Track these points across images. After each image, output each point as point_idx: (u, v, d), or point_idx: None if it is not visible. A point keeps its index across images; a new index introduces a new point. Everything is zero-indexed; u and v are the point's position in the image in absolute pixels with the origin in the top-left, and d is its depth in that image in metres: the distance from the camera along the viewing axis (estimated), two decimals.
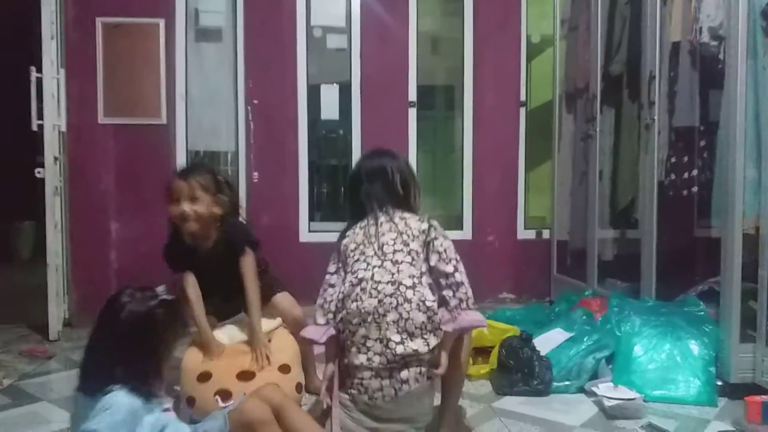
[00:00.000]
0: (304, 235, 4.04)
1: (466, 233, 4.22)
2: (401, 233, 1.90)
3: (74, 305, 3.61)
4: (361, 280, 1.85)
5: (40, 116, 3.29)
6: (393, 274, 1.84)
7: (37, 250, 3.40)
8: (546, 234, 4.24)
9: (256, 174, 3.96)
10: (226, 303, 2.37)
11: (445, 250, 1.90)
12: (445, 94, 4.55)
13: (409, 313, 1.79)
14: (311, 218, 4.07)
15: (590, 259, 3.55)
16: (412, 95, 4.12)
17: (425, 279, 1.86)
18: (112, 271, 3.75)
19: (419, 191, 2.08)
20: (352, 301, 1.83)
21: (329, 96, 4.09)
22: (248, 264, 2.26)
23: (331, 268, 1.99)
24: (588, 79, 3.63)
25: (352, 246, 1.94)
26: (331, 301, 1.91)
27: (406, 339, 1.78)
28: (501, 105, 4.21)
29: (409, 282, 1.83)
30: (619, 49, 3.47)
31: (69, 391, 2.56)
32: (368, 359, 1.81)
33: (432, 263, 1.88)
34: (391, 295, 1.80)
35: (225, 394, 2.04)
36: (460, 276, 1.89)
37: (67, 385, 2.68)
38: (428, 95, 4.34)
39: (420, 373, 1.82)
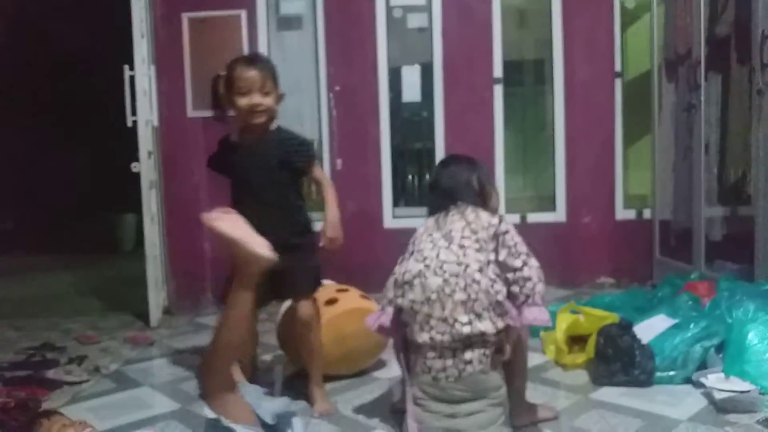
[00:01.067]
0: (389, 221, 4.01)
1: (559, 215, 4.04)
2: (470, 223, 1.92)
3: (173, 294, 3.78)
4: (425, 258, 1.87)
5: (134, 112, 3.44)
6: (459, 256, 1.84)
7: (139, 241, 3.57)
8: (647, 213, 3.98)
9: (339, 161, 3.97)
10: (264, 213, 2.01)
11: (515, 245, 1.90)
12: (533, 68, 4.37)
13: (477, 294, 1.79)
14: (395, 204, 4.04)
15: (696, 240, 3.30)
16: (498, 72, 3.97)
17: (492, 267, 1.85)
18: (206, 262, 3.88)
19: (497, 196, 2.16)
20: (415, 277, 1.85)
21: (411, 78, 4.02)
22: (320, 171, 2.36)
23: (405, 256, 2.00)
24: (690, 44, 3.36)
25: (421, 230, 2.00)
26: (388, 287, 1.95)
27: (474, 319, 1.78)
28: (595, 77, 3.98)
29: (476, 266, 1.83)
30: (726, 8, 3.21)
31: (169, 377, 2.69)
32: (431, 338, 1.80)
33: (501, 258, 1.88)
34: (457, 275, 1.81)
35: None
36: (529, 271, 1.89)
37: (166, 371, 2.81)
38: (515, 71, 4.18)
39: (484, 354, 1.80)
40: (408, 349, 1.92)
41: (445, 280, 1.81)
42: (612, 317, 2.60)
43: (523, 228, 3.94)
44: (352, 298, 2.52)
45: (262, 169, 2.18)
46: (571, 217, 4.03)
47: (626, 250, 4.00)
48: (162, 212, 3.69)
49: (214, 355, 1.58)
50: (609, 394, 2.27)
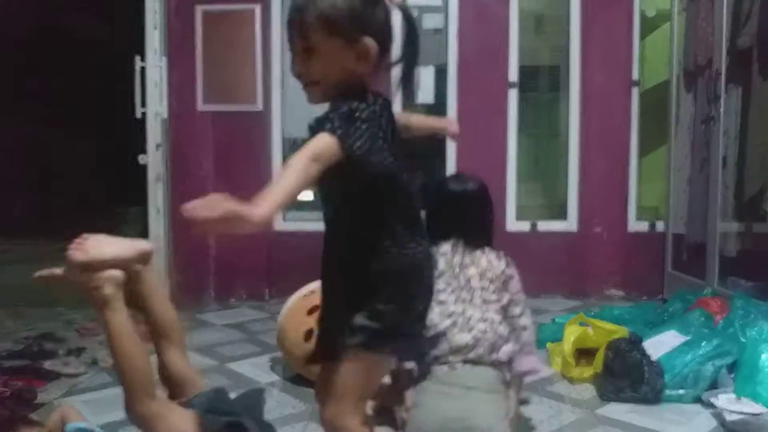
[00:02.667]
0: None
1: (570, 224, 3.98)
2: (485, 271, 1.95)
3: (175, 288, 3.74)
4: (451, 314, 1.87)
5: (144, 104, 3.41)
6: (483, 311, 1.89)
7: (144, 234, 3.54)
8: (660, 226, 3.91)
9: None
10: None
11: (517, 292, 1.98)
12: (549, 75, 4.32)
13: (501, 348, 1.88)
14: None
15: (710, 255, 3.22)
16: (513, 76, 3.92)
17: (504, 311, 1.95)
18: (210, 257, 3.85)
19: (494, 222, 2.10)
20: (441, 335, 1.86)
21: (425, 79, 3.97)
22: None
23: None
24: (711, 54, 3.29)
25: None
26: None
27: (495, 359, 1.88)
28: (611, 85, 3.91)
29: (498, 318, 1.91)
30: (749, 19, 3.14)
31: None
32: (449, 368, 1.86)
33: (503, 302, 1.95)
34: (484, 332, 1.86)
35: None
36: (526, 320, 1.98)
37: None
38: (530, 77, 4.13)
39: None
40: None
41: (475, 338, 1.85)
42: (621, 331, 2.55)
43: (533, 236, 3.96)
44: None
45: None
46: (582, 227, 3.97)
47: (637, 263, 3.93)
48: (168, 206, 3.65)
49: (125, 383, 1.46)
50: (616, 410, 2.21)
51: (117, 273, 1.45)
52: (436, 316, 1.85)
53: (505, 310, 1.95)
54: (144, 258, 1.53)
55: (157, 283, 1.58)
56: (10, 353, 2.84)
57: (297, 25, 1.27)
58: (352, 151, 1.15)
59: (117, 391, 2.38)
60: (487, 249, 2.00)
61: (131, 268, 1.49)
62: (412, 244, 1.30)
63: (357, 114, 1.19)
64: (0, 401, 2.24)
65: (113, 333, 1.43)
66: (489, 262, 1.96)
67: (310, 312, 2.43)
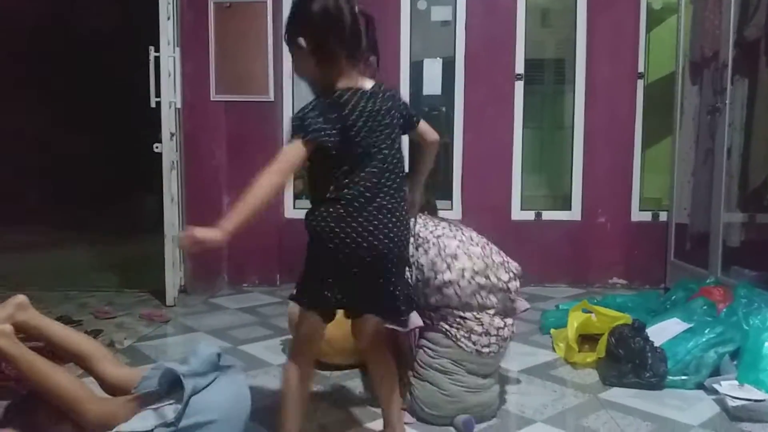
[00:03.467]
0: None
1: (574, 214, 4.03)
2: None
3: (189, 274, 3.81)
4: (455, 236, 2.07)
5: (158, 93, 3.46)
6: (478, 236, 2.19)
7: (159, 221, 3.60)
8: (663, 216, 3.96)
9: None
10: None
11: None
12: (554, 67, 4.34)
13: (506, 258, 2.18)
14: None
15: (714, 245, 3.27)
16: (520, 68, 3.96)
17: None
18: (224, 244, 3.91)
19: None
20: (456, 247, 2.03)
21: (432, 70, 4.01)
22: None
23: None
24: (718, 46, 3.31)
25: (417, 228, 2.09)
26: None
27: (512, 278, 2.11)
28: (616, 78, 3.95)
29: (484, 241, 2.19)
30: (757, 10, 3.16)
31: (182, 355, 2.72)
32: (480, 285, 2.01)
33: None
34: (487, 244, 2.16)
35: None
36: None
37: (180, 349, 2.85)
38: (536, 69, 4.16)
39: (512, 328, 2.16)
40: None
41: (482, 248, 2.06)
42: (625, 318, 2.60)
43: (537, 225, 4.01)
44: None
45: None
46: (586, 217, 4.02)
47: (640, 252, 3.98)
48: (182, 193, 3.72)
49: (65, 405, 1.59)
50: (618, 395, 2.27)
51: (1, 327, 1.64)
52: (444, 240, 2.03)
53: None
54: (21, 307, 1.73)
55: (48, 321, 1.77)
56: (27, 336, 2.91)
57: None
58: (307, 139, 1.44)
59: None
60: None
61: (17, 321, 1.68)
62: (326, 211, 1.50)
63: (307, 111, 1.46)
64: (17, 382, 2.30)
65: (26, 372, 1.60)
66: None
67: None
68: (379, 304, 1.62)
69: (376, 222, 1.52)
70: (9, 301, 1.72)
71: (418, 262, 2.02)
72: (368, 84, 1.58)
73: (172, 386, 1.54)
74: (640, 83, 3.96)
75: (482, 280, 1.99)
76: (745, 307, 2.48)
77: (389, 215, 1.55)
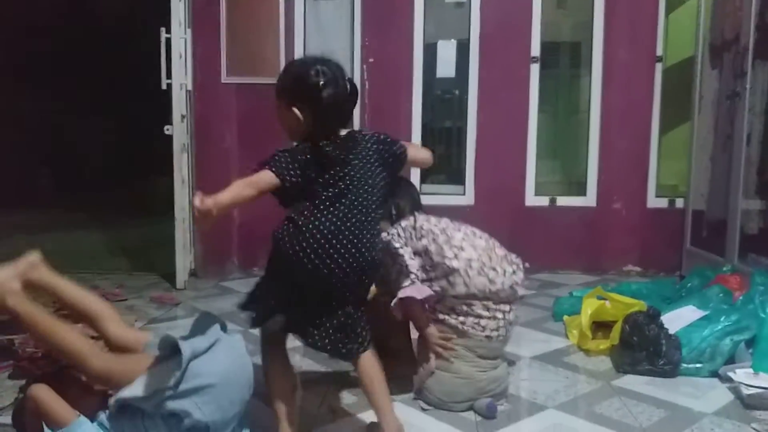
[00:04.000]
0: None
1: (589, 200, 3.98)
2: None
3: (199, 257, 3.82)
4: (459, 229, 2.10)
5: (169, 75, 3.45)
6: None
7: (170, 204, 3.60)
8: (679, 203, 3.90)
9: None
10: None
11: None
12: (570, 51, 4.27)
13: (507, 251, 2.15)
14: (422, 180, 4.00)
15: (731, 232, 3.22)
16: (535, 51, 3.90)
17: None
18: (234, 227, 3.92)
19: None
20: (462, 240, 2.05)
21: (446, 52, 3.96)
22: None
23: (396, 243, 2.06)
24: (739, 29, 3.24)
25: (420, 222, 2.09)
26: (407, 264, 2.01)
27: (517, 270, 2.12)
28: (634, 62, 3.88)
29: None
30: None
31: None
32: (490, 280, 2.02)
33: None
34: (489, 237, 2.15)
35: None
36: None
37: None
38: (552, 53, 4.09)
39: (516, 314, 2.15)
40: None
41: (486, 240, 2.10)
42: (639, 305, 2.57)
43: (551, 211, 3.97)
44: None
45: None
46: (601, 203, 3.97)
47: (655, 239, 3.93)
48: (192, 176, 3.71)
49: (70, 359, 1.60)
50: (632, 382, 2.24)
51: (11, 284, 1.65)
52: (450, 231, 2.07)
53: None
54: (33, 266, 1.72)
55: (59, 279, 1.74)
56: None
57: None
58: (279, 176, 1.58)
59: None
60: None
61: (29, 279, 1.68)
62: (286, 231, 1.64)
63: (282, 154, 1.61)
64: (31, 361, 2.32)
65: (32, 328, 1.60)
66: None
67: None
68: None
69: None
70: (22, 259, 1.72)
71: (426, 248, 2.03)
72: (343, 131, 1.69)
73: (173, 351, 1.55)
74: (659, 67, 3.88)
75: (490, 273, 2.01)
76: (762, 294, 2.45)
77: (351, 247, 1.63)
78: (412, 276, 2.01)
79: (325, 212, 1.61)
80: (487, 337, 2.01)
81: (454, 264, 1.99)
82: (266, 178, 1.58)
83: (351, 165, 1.65)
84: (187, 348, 1.51)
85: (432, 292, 2.01)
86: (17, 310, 1.60)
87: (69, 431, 1.48)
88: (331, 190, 1.63)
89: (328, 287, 1.63)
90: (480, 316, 2.01)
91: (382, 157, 1.73)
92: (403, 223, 2.15)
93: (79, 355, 1.56)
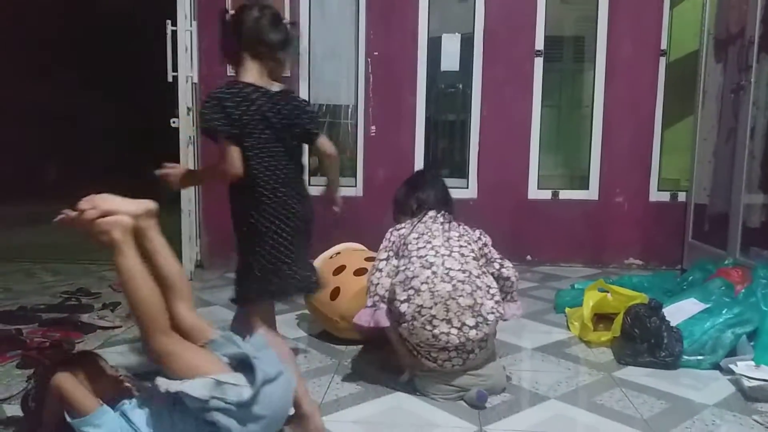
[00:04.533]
0: None
1: (591, 193, 3.99)
2: (462, 235, 2.10)
3: (205, 249, 3.85)
4: (432, 264, 1.97)
5: (175, 68, 3.46)
6: (462, 263, 1.99)
7: (175, 197, 3.62)
8: (681, 197, 3.91)
9: (373, 128, 3.96)
10: None
11: (489, 251, 2.14)
12: (574, 45, 4.26)
13: (483, 299, 1.95)
14: None
15: (733, 226, 3.23)
16: (539, 44, 3.90)
17: (485, 271, 2.06)
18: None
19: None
20: (422, 283, 1.94)
21: (450, 46, 3.97)
22: None
23: (382, 255, 2.09)
24: (744, 22, 3.24)
25: (414, 236, 2.08)
26: (378, 284, 2.02)
27: (481, 323, 1.93)
28: (638, 56, 3.89)
29: (476, 272, 2.00)
30: None
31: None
32: (433, 336, 1.92)
33: (480, 262, 2.09)
34: (463, 282, 1.94)
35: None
36: (507, 271, 2.11)
37: None
38: (555, 47, 4.09)
39: (484, 347, 2.01)
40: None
41: (454, 286, 1.93)
42: (641, 297, 2.58)
43: (554, 204, 3.98)
44: None
45: None
46: (603, 196, 3.98)
47: (657, 233, 3.95)
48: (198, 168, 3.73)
49: (140, 322, 1.53)
50: (633, 373, 2.26)
51: (124, 218, 1.52)
52: (416, 267, 1.97)
53: (490, 273, 2.08)
54: (149, 214, 1.60)
55: (162, 240, 1.64)
56: (48, 306, 2.96)
57: None
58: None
59: None
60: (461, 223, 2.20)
61: (138, 223, 1.57)
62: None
63: (204, 108, 1.69)
64: (40, 351, 2.35)
65: (125, 275, 1.51)
66: (465, 230, 2.15)
67: (336, 272, 2.51)
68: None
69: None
70: (141, 201, 1.61)
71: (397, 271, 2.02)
72: (275, 86, 1.75)
73: (240, 364, 1.51)
74: (663, 61, 3.88)
75: (439, 326, 1.91)
76: (764, 288, 2.45)
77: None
78: (375, 299, 2.00)
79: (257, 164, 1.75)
80: (441, 366, 1.96)
81: (402, 308, 1.93)
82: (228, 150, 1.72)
83: (265, 115, 1.72)
84: (260, 372, 1.47)
85: (386, 324, 1.98)
86: (119, 247, 1.50)
87: (92, 419, 1.47)
88: (247, 142, 1.73)
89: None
90: (431, 348, 1.95)
91: (299, 123, 1.77)
92: (400, 230, 2.14)
93: (152, 323, 1.49)
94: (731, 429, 1.85)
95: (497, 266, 2.10)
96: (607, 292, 2.68)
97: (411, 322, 1.93)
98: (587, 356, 2.45)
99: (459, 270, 1.96)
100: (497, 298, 1.99)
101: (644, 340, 2.32)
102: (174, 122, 3.52)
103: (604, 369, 2.31)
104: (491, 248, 2.15)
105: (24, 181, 6.29)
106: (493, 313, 1.95)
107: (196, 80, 3.60)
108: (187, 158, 3.55)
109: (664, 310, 2.43)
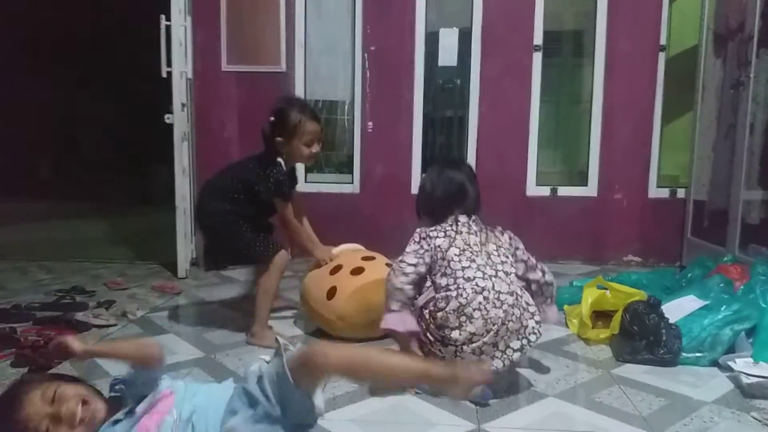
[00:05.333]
0: (416, 187, 3.97)
1: (590, 189, 3.98)
2: (499, 247, 2.04)
3: (200, 246, 3.81)
4: (483, 289, 1.91)
5: (169, 63, 3.43)
6: (509, 285, 1.95)
7: (170, 194, 3.60)
8: (681, 193, 3.89)
9: (370, 124, 3.93)
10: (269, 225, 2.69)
11: (528, 258, 2.10)
12: (573, 40, 4.24)
13: (528, 321, 1.93)
14: (423, 170, 4.00)
15: (732, 222, 3.21)
16: (538, 39, 3.88)
17: (523, 286, 2.04)
18: None
19: None
20: (475, 310, 1.88)
21: (448, 40, 3.94)
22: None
23: (410, 259, 2.00)
24: (744, 17, 3.22)
25: (454, 251, 1.99)
26: (401, 289, 1.96)
27: (525, 345, 1.93)
28: (637, 51, 3.87)
29: (520, 291, 1.97)
30: None
31: (193, 325, 2.74)
32: (480, 360, 1.90)
33: (520, 273, 2.06)
34: (513, 306, 1.91)
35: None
36: (549, 276, 2.12)
37: (191, 320, 2.86)
38: (554, 42, 4.06)
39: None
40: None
41: (505, 312, 1.90)
42: (640, 294, 2.56)
43: (552, 201, 3.96)
44: (378, 268, 2.48)
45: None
46: (602, 193, 3.97)
47: (656, 229, 3.93)
48: (193, 165, 3.70)
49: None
50: (632, 371, 2.24)
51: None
52: (469, 292, 1.90)
53: (523, 278, 2.05)
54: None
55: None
56: (43, 304, 2.94)
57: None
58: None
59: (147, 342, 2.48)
60: (492, 227, 2.12)
61: None
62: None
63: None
64: (34, 349, 2.33)
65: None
66: (497, 238, 2.07)
67: (333, 272, 2.49)
68: None
69: None
70: None
71: (437, 285, 1.95)
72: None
73: None
74: (662, 56, 3.86)
75: (486, 351, 1.89)
76: (763, 284, 2.44)
77: None
78: (399, 304, 1.95)
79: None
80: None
81: (454, 335, 1.88)
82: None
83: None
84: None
85: (418, 329, 1.94)
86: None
87: None
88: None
89: None
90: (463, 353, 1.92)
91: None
92: (435, 239, 2.02)
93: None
94: (730, 426, 1.83)
95: (540, 274, 2.09)
96: (606, 289, 2.66)
97: (461, 347, 1.89)
98: (586, 354, 2.43)
99: (507, 293, 1.92)
100: (537, 318, 1.96)
101: (643, 338, 2.31)
102: (168, 118, 3.48)
103: (602, 366, 2.29)
104: (524, 251, 2.10)
105: (15, 179, 6.26)
106: (534, 333, 1.93)
107: (190, 76, 3.57)
108: (182, 155, 3.53)
109: (662, 307, 2.41)
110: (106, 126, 7.35)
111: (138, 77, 5.41)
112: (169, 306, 3.04)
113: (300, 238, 2.62)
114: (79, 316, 2.76)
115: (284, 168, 2.48)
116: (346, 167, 3.99)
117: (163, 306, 3.02)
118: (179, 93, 3.47)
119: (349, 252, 2.67)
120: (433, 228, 2.07)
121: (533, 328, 1.93)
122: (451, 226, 2.05)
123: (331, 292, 2.44)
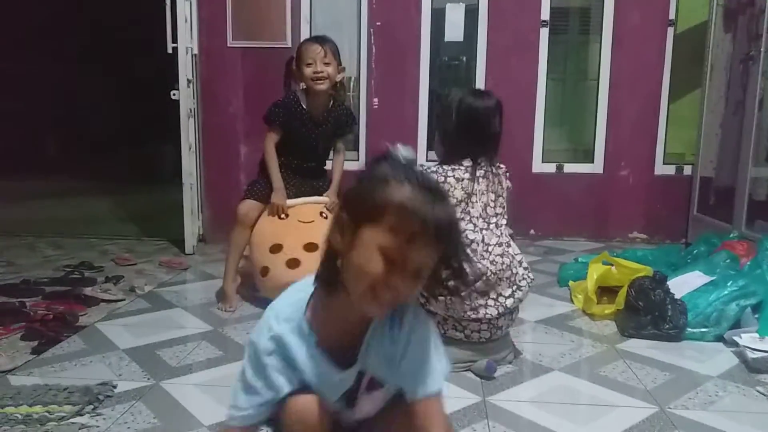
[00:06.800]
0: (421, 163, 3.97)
1: (596, 166, 3.96)
2: (498, 196, 2.02)
3: (207, 222, 3.84)
4: (472, 242, 1.93)
5: (174, 39, 3.41)
6: (498, 236, 1.98)
7: (177, 171, 3.60)
8: (687, 170, 3.87)
9: (376, 100, 3.91)
10: (306, 171, 2.72)
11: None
12: (580, 16, 4.19)
13: (517, 269, 1.99)
14: (429, 147, 3.98)
15: (739, 199, 3.20)
16: (545, 14, 3.83)
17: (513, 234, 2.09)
18: (241, 192, 3.90)
19: None
20: None
21: (454, 15, 3.89)
22: (342, 148, 2.76)
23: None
24: None
25: (457, 194, 1.97)
26: None
27: (515, 291, 1.98)
28: (645, 26, 3.81)
29: (507, 240, 2.01)
30: None
31: (200, 300, 2.77)
32: (471, 309, 1.93)
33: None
34: (501, 255, 1.96)
35: (294, 263, 2.39)
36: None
37: (199, 295, 2.88)
38: (561, 18, 4.01)
39: (512, 319, 2.06)
40: None
41: (492, 262, 1.94)
42: (646, 270, 2.57)
43: (558, 178, 3.95)
44: (315, 265, 2.44)
45: (322, 139, 2.68)
46: (608, 170, 3.94)
47: (662, 206, 3.92)
48: (199, 142, 3.70)
49: None
50: (637, 345, 2.26)
51: None
52: None
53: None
54: None
55: None
56: (52, 279, 2.96)
57: (327, 48, 2.59)
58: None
59: (155, 316, 2.52)
60: (499, 164, 2.05)
61: None
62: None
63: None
64: (43, 323, 2.37)
65: None
66: (500, 182, 2.03)
67: (273, 250, 2.51)
68: None
69: None
70: None
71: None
72: None
73: None
74: (670, 32, 3.81)
75: (477, 297, 1.93)
76: None
77: None
78: None
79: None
80: (467, 337, 1.97)
81: None
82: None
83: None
84: None
85: None
86: None
87: None
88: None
89: None
90: (461, 321, 1.96)
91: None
92: (462, 180, 1.95)
93: None
94: (734, 400, 1.85)
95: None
96: (612, 265, 2.67)
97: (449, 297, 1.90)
98: (591, 329, 2.45)
99: (496, 244, 1.96)
100: (525, 264, 2.02)
101: (648, 313, 2.32)
102: (174, 94, 3.47)
103: (607, 341, 2.31)
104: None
105: (21, 157, 6.27)
106: (525, 279, 2.00)
107: (196, 51, 3.55)
108: (188, 132, 3.52)
109: (668, 282, 2.43)
110: (109, 102, 7.33)
111: (143, 52, 5.37)
112: (176, 281, 3.06)
113: (269, 171, 2.60)
114: (88, 291, 2.78)
115: (293, 98, 2.58)
116: (351, 144, 3.98)
117: (170, 281, 3.05)
118: (185, 69, 3.45)
119: (301, 210, 2.57)
120: (451, 167, 1.96)
121: (522, 275, 1.99)
122: (464, 172, 1.96)
123: (264, 271, 2.47)
